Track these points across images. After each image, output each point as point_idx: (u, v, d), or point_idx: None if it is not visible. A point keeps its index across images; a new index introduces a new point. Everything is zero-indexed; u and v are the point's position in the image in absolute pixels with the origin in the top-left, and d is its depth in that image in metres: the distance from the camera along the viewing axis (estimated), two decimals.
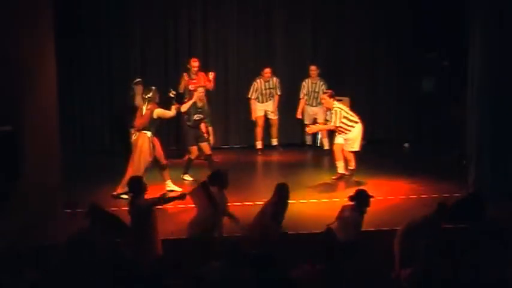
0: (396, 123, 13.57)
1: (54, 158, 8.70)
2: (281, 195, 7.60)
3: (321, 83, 12.64)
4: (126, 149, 10.30)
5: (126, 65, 12.89)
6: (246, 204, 9.04)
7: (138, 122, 9.80)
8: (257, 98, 12.71)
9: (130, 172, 9.36)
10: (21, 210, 7.82)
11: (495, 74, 9.49)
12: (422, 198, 9.61)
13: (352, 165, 10.62)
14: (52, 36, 8.65)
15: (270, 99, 12.76)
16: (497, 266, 6.36)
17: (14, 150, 7.81)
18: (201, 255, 7.07)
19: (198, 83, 11.65)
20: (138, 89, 11.55)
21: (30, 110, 8.21)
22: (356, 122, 10.53)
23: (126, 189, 8.77)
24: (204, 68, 12.35)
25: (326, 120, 11.92)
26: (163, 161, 9.97)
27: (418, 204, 9.13)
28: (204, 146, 10.73)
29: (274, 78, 12.74)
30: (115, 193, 9.55)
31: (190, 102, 10.76)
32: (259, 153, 12.74)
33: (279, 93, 12.75)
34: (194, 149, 10.67)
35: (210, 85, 11.97)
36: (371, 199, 7.37)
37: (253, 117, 12.82)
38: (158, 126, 9.99)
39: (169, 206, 8.96)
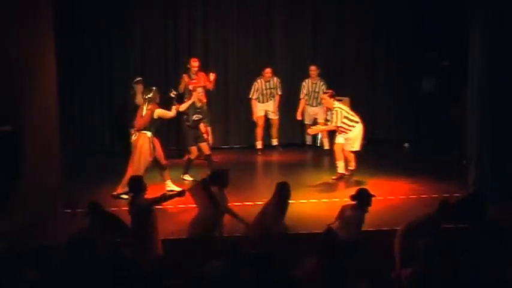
0: (396, 123, 13.58)
1: (54, 158, 8.70)
2: (282, 194, 7.59)
3: (321, 83, 12.64)
4: (126, 149, 10.29)
5: (126, 65, 12.89)
6: (246, 204, 9.04)
7: (139, 122, 9.79)
8: (258, 98, 12.71)
9: (130, 172, 9.36)
10: (21, 210, 7.82)
11: (495, 74, 9.48)
12: (422, 198, 9.61)
13: (352, 166, 10.62)
14: (52, 36, 8.65)
15: (271, 99, 12.77)
16: (497, 266, 6.36)
17: (14, 150, 7.81)
18: (201, 254, 7.07)
19: (198, 83, 11.66)
20: (139, 87, 11.57)
21: (30, 110, 8.21)
22: (356, 122, 10.53)
23: (126, 189, 8.79)
24: (204, 68, 12.35)
25: (326, 120, 11.92)
26: (163, 162, 9.97)
27: (418, 204, 9.13)
28: (203, 146, 10.74)
29: (275, 78, 12.74)
30: (115, 193, 9.55)
31: (189, 102, 10.76)
32: (259, 153, 12.74)
33: (279, 93, 12.76)
34: (194, 149, 10.68)
35: (210, 85, 11.97)
36: (373, 198, 7.37)
37: (255, 117, 12.82)
38: (158, 127, 10.00)
39: (169, 206, 8.99)
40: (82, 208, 7.45)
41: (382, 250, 7.10)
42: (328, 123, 11.01)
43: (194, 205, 7.74)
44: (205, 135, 10.94)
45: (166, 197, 7.72)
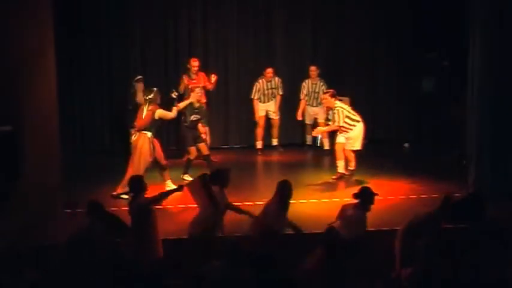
0: (396, 123, 13.57)
1: (54, 158, 8.70)
2: (283, 193, 7.56)
3: (321, 83, 12.64)
4: (126, 149, 10.30)
5: (126, 65, 12.88)
6: (246, 204, 9.03)
7: (139, 122, 9.80)
8: (259, 98, 12.70)
9: (130, 172, 9.37)
10: (21, 210, 7.82)
11: (495, 74, 9.49)
12: (422, 198, 9.61)
13: (352, 166, 10.63)
14: (52, 36, 8.65)
15: (272, 100, 12.76)
16: (497, 266, 6.36)
17: (14, 150, 7.81)
18: (201, 254, 7.07)
19: (198, 83, 11.65)
20: (139, 86, 11.61)
21: (30, 110, 8.20)
22: (357, 121, 10.54)
23: (126, 189, 8.79)
24: (204, 68, 12.35)
25: (327, 120, 11.94)
26: (163, 162, 9.97)
27: (418, 204, 9.13)
28: (202, 146, 10.75)
29: (276, 78, 12.74)
30: (115, 193, 9.55)
31: (187, 102, 10.75)
32: (259, 153, 12.74)
33: (280, 93, 12.75)
34: (193, 149, 10.68)
35: (210, 86, 11.97)
36: (375, 197, 7.37)
37: (257, 117, 12.82)
38: (159, 127, 10.00)
39: (169, 205, 9.01)
40: (82, 208, 7.45)
41: (382, 250, 7.10)
42: (329, 123, 11.01)
43: (194, 205, 7.73)
44: (203, 136, 10.94)
45: (165, 194, 7.71)
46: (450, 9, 11.88)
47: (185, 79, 11.94)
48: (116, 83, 12.78)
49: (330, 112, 11.24)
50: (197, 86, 11.27)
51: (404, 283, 6.43)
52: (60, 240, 7.00)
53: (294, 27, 13.32)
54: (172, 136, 12.63)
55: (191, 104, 10.70)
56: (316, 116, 12.70)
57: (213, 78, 11.89)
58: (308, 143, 13.20)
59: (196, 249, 7.28)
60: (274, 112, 12.82)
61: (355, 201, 7.38)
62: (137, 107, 10.29)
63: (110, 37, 12.86)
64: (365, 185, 8.07)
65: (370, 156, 11.41)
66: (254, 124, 12.88)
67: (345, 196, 8.90)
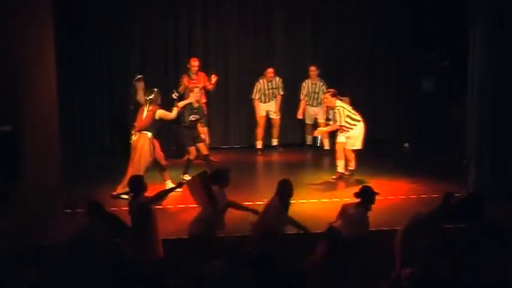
0: (396, 123, 13.57)
1: (54, 158, 8.70)
2: (283, 192, 7.56)
3: (321, 83, 12.64)
4: (126, 149, 10.29)
5: (126, 65, 12.88)
6: (246, 204, 9.03)
7: (139, 123, 9.80)
8: (260, 98, 12.70)
9: (130, 172, 9.36)
10: (21, 210, 7.82)
11: (495, 74, 9.49)
12: (422, 198, 9.61)
13: (352, 166, 10.63)
14: (52, 36, 8.65)
15: (273, 99, 12.76)
16: (497, 266, 6.37)
17: (14, 150, 7.81)
18: (201, 254, 7.07)
19: (198, 83, 11.65)
20: (140, 85, 11.63)
21: (30, 110, 8.20)
22: (358, 121, 10.55)
23: (126, 189, 8.77)
24: (204, 68, 12.35)
25: (328, 119, 11.94)
26: (163, 162, 9.98)
27: (418, 204, 9.11)
28: (201, 146, 10.74)
29: (277, 78, 12.73)
30: (115, 193, 9.55)
31: (186, 101, 10.74)
32: (259, 153, 12.74)
33: (281, 93, 12.75)
34: (192, 149, 10.67)
35: (210, 86, 11.97)
36: (376, 196, 7.37)
37: (257, 117, 12.82)
38: (159, 128, 10.00)
39: (169, 205, 9.00)
40: (82, 208, 7.45)
41: (382, 250, 7.10)
42: (330, 122, 11.00)
43: (194, 205, 7.73)
44: (202, 136, 10.93)
45: (165, 192, 7.71)
46: (450, 9, 11.89)
47: (185, 79, 11.93)
48: (116, 83, 12.78)
49: (331, 112, 11.23)
50: (197, 86, 11.26)
51: (404, 283, 6.43)
52: (60, 240, 7.00)
53: (294, 27, 13.32)
54: (173, 137, 12.62)
55: (190, 104, 10.70)
56: (316, 116, 12.70)
57: (214, 78, 11.89)
58: (308, 143, 13.20)
59: (196, 249, 7.28)
60: (274, 112, 12.82)
61: (356, 200, 7.38)
62: (138, 106, 10.28)
63: (110, 37, 12.85)
64: (364, 185, 8.07)
65: (370, 156, 11.41)
66: (254, 124, 12.87)
67: (345, 196, 8.90)
